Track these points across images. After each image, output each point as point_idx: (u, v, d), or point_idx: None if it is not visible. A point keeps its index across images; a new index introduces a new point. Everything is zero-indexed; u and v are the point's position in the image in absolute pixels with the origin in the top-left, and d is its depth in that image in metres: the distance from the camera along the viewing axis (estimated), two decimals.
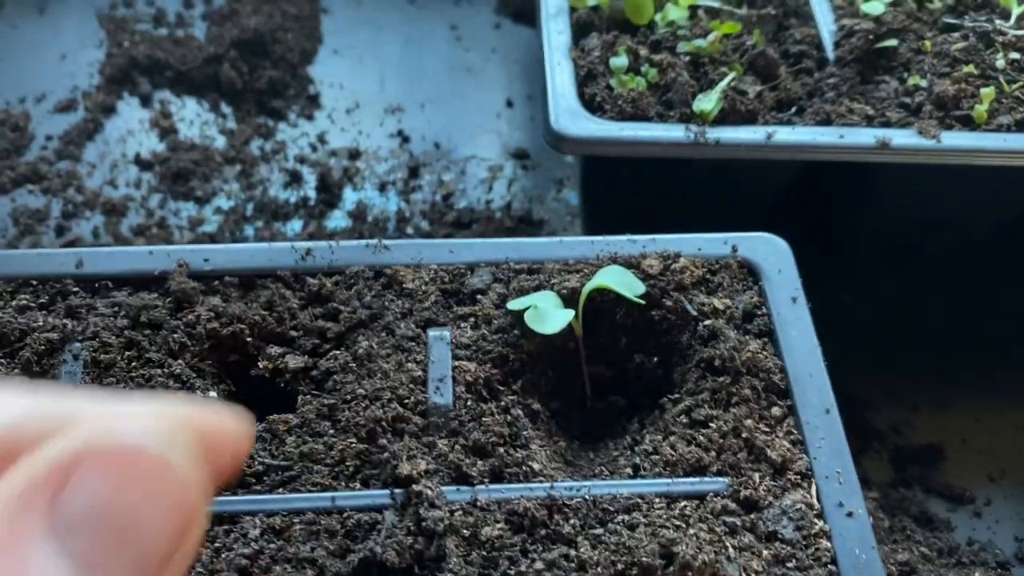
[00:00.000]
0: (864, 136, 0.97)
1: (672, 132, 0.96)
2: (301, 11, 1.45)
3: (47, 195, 1.23)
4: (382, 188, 1.26)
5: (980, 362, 1.14)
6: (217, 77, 1.34)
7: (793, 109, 1.01)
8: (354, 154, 1.30)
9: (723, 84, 0.98)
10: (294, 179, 1.26)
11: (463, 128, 1.35)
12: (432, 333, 0.81)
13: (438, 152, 1.31)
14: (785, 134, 0.96)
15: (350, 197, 1.25)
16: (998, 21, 1.08)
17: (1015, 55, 1.05)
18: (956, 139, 0.98)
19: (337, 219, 1.23)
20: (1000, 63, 1.05)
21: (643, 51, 1.02)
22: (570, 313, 0.80)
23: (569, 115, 0.97)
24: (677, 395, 0.82)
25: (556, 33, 1.05)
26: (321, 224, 1.22)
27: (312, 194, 1.25)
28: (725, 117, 0.97)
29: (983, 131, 1.00)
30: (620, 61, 1.00)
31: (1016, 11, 1.09)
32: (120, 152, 1.28)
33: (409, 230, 1.22)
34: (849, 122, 0.99)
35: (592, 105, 1.00)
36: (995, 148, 0.98)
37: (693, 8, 1.06)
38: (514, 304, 0.81)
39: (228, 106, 1.34)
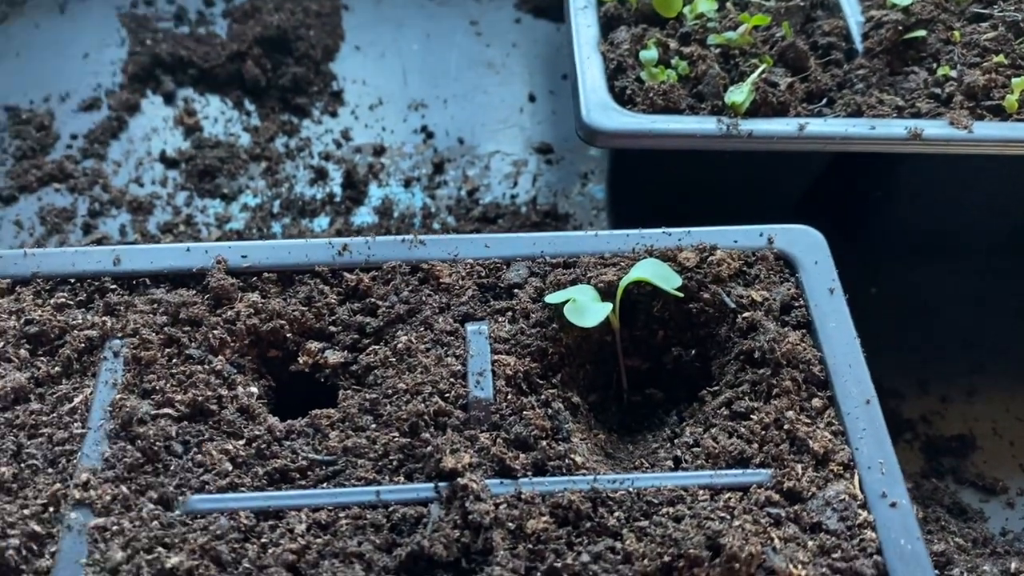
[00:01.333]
0: (895, 127, 0.97)
1: (705, 124, 0.96)
2: (322, 8, 1.45)
3: (73, 193, 1.23)
4: (407, 184, 1.26)
5: (1009, 352, 1.14)
6: (240, 74, 1.34)
7: (824, 100, 1.01)
8: (378, 150, 1.30)
9: (754, 76, 0.98)
10: (320, 176, 1.26)
11: (486, 123, 1.35)
12: (470, 327, 0.81)
13: (462, 148, 1.31)
14: (817, 126, 0.96)
15: (376, 193, 1.25)
16: None
17: None
18: (988, 129, 0.97)
19: (363, 215, 1.23)
20: None
21: (673, 44, 1.02)
22: (608, 306, 0.80)
23: (600, 108, 0.97)
24: (716, 387, 0.82)
25: (584, 27, 1.05)
26: (348, 220, 1.22)
27: (338, 190, 1.25)
28: (757, 109, 0.97)
29: (1015, 120, 0.99)
30: (650, 54, 1.00)
31: None
32: (145, 150, 1.29)
33: (435, 225, 1.22)
34: (880, 113, 0.99)
35: (623, 98, 1.00)
36: None
37: (722, 0, 1.06)
38: (552, 298, 0.81)
39: (252, 103, 1.34)
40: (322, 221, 1.22)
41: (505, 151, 1.31)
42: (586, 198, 1.27)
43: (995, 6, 1.09)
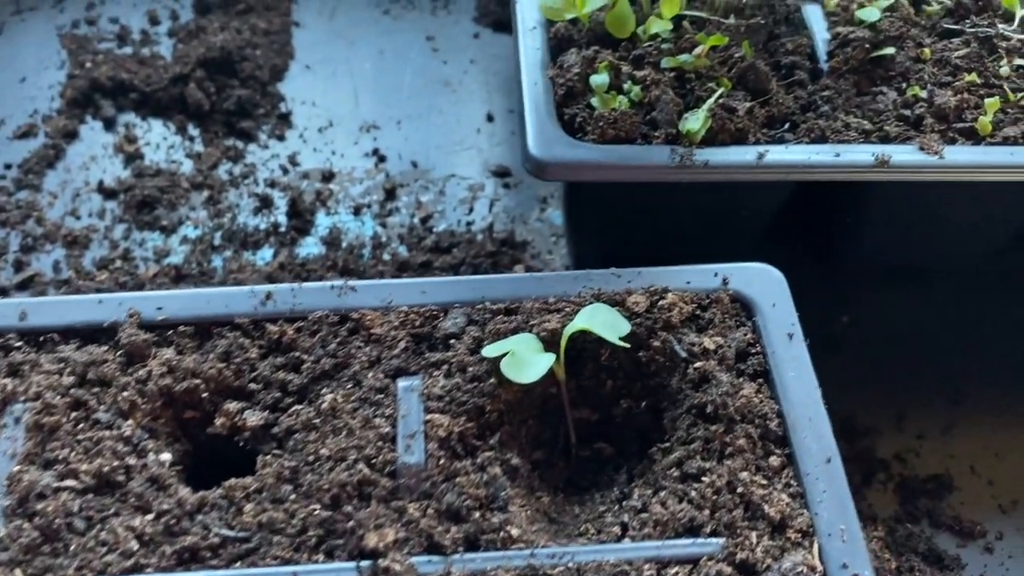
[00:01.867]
0: (861, 153, 0.91)
1: (657, 155, 0.90)
2: (271, 25, 1.39)
3: (5, 228, 1.17)
4: (357, 211, 1.20)
5: (987, 383, 1.08)
6: (183, 98, 1.28)
7: (786, 125, 0.95)
8: (327, 176, 1.24)
9: (710, 102, 0.92)
10: (264, 204, 1.20)
11: (441, 145, 1.29)
12: (402, 383, 0.75)
13: (415, 172, 1.25)
14: (777, 154, 0.91)
15: (323, 222, 1.19)
16: (1001, 25, 1.02)
17: (1020, 61, 1.00)
18: (960, 154, 0.92)
19: (309, 246, 1.17)
20: (1004, 70, 0.99)
21: (625, 67, 0.96)
22: (550, 358, 0.74)
23: (547, 139, 0.91)
24: (667, 444, 0.76)
25: (532, 50, 0.99)
26: (292, 252, 1.16)
27: (283, 220, 1.19)
28: (714, 137, 0.91)
29: (988, 144, 0.94)
30: (601, 79, 0.94)
31: (1020, 13, 1.03)
32: (83, 180, 1.22)
33: (386, 256, 1.16)
34: (845, 138, 0.93)
35: (572, 127, 0.94)
36: (1001, 163, 0.92)
37: (679, 19, 1.00)
38: (490, 350, 0.76)
39: (196, 128, 1.28)
40: (265, 253, 1.16)
41: (461, 175, 1.26)
42: (545, 224, 1.21)
43: (967, 21, 1.04)
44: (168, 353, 0.77)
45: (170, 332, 0.79)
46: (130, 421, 0.74)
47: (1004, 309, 1.13)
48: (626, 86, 0.95)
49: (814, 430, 0.74)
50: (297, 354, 0.77)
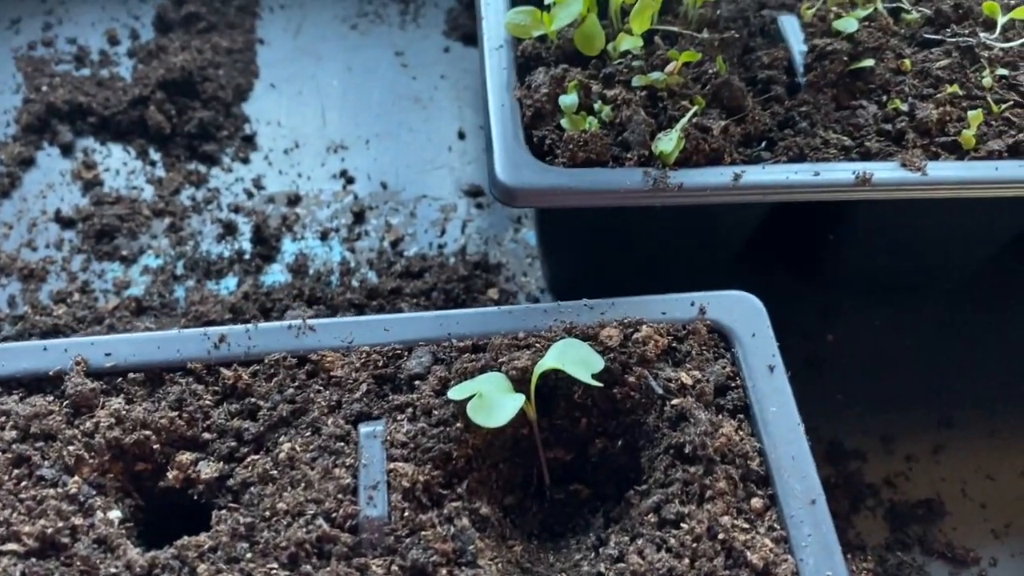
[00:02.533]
0: (841, 172, 0.88)
1: (630, 178, 0.86)
2: (234, 44, 1.35)
3: None
4: (324, 236, 1.16)
5: (977, 403, 1.05)
6: (144, 121, 1.24)
7: (763, 143, 0.92)
8: (293, 199, 1.20)
9: (683, 121, 0.88)
10: (228, 231, 1.16)
11: (412, 165, 1.25)
12: (364, 429, 0.72)
13: (385, 193, 1.21)
14: (754, 174, 0.87)
15: (289, 248, 1.15)
16: (982, 34, 0.99)
17: (1003, 71, 0.96)
18: (943, 170, 0.88)
19: (275, 274, 1.13)
20: (987, 81, 0.95)
21: (596, 86, 0.93)
22: (519, 399, 0.71)
23: (515, 164, 0.87)
24: (645, 486, 0.72)
25: (499, 70, 0.95)
26: (257, 280, 1.12)
27: (247, 247, 1.15)
28: (688, 157, 0.88)
29: (972, 159, 0.90)
30: (570, 99, 0.91)
31: (1001, 20, 1.00)
32: (39, 209, 1.18)
33: (354, 283, 1.12)
34: (825, 156, 0.90)
35: (542, 149, 0.90)
36: (986, 179, 0.88)
37: (650, 34, 0.96)
38: (456, 392, 0.72)
39: (157, 152, 1.24)
40: (229, 282, 1.12)
41: (432, 195, 1.22)
42: (519, 245, 1.17)
43: (947, 30, 1.00)
44: (117, 402, 0.73)
45: (119, 379, 0.75)
46: (76, 477, 0.70)
47: (992, 326, 1.10)
48: (596, 106, 0.92)
49: (797, 469, 0.71)
50: (253, 400, 0.74)
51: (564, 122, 0.91)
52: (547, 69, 0.94)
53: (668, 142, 0.87)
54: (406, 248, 1.16)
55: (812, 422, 1.01)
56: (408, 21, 1.42)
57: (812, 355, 1.08)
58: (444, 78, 1.35)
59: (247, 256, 1.14)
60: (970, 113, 0.92)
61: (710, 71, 0.94)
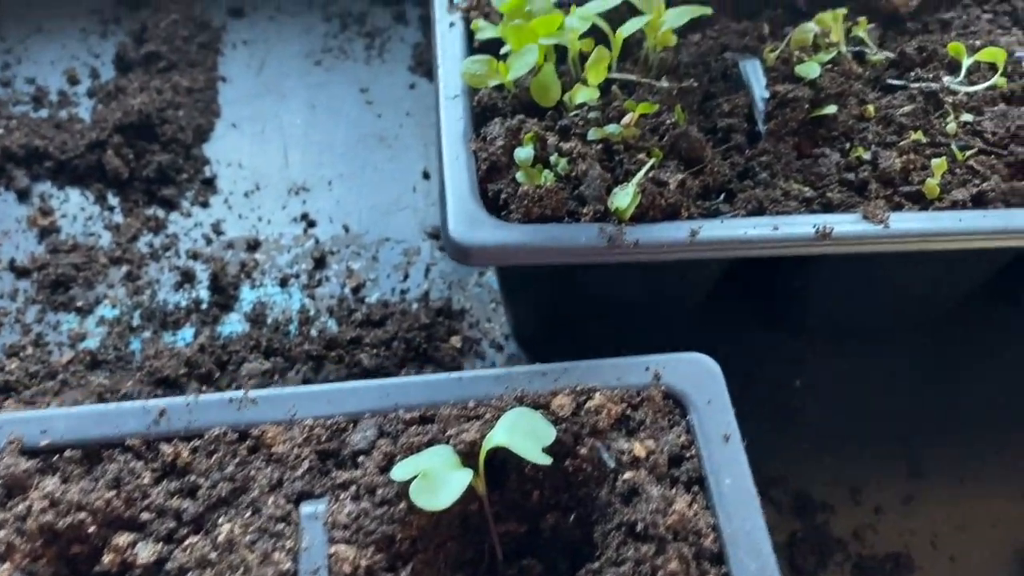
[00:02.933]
0: (802, 226, 0.86)
1: (585, 235, 0.84)
2: (195, 83, 1.32)
3: None
4: (283, 283, 1.14)
5: (946, 451, 1.03)
6: (102, 165, 1.22)
7: (721, 196, 0.90)
8: (253, 245, 1.17)
9: (639, 176, 0.86)
10: (186, 279, 1.14)
11: (375, 206, 1.23)
12: (305, 510, 0.69)
13: (347, 236, 1.19)
14: (712, 229, 0.85)
15: (247, 296, 1.13)
16: (946, 78, 0.97)
17: (967, 116, 0.95)
18: (906, 222, 0.87)
19: (233, 323, 1.11)
20: (951, 127, 0.94)
21: (552, 138, 0.91)
22: (466, 477, 0.69)
23: (469, 220, 0.85)
24: (597, 564, 0.70)
25: (454, 121, 0.93)
26: (214, 331, 1.09)
27: (205, 295, 1.13)
28: (644, 212, 0.86)
29: (936, 209, 0.89)
30: (525, 153, 0.88)
31: (966, 63, 0.98)
32: None
33: (314, 332, 1.09)
34: (785, 209, 0.88)
35: (497, 204, 0.88)
36: (950, 230, 0.87)
37: (608, 82, 0.94)
38: (399, 471, 0.70)
39: (115, 196, 1.21)
40: (186, 333, 1.10)
41: (396, 238, 1.20)
42: (484, 289, 1.15)
43: (911, 73, 0.99)
44: (52, 483, 0.70)
45: (55, 457, 0.72)
46: (7, 565, 0.67)
47: (961, 373, 1.09)
48: (553, 158, 0.90)
49: (752, 545, 0.69)
50: (193, 478, 0.71)
51: (519, 175, 0.89)
52: (503, 120, 0.92)
53: (624, 197, 0.85)
54: (368, 294, 1.14)
55: (780, 471, 1.01)
56: (373, 56, 1.40)
57: (780, 403, 1.06)
58: (409, 115, 1.33)
59: (204, 305, 1.12)
60: (934, 161, 0.90)
61: (668, 121, 0.92)
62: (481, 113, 0.95)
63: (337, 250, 1.18)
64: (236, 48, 1.40)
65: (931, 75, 0.98)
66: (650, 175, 0.87)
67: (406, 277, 1.16)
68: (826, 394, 1.07)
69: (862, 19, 1.03)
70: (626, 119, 0.90)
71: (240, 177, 1.25)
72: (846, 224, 0.86)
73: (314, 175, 1.26)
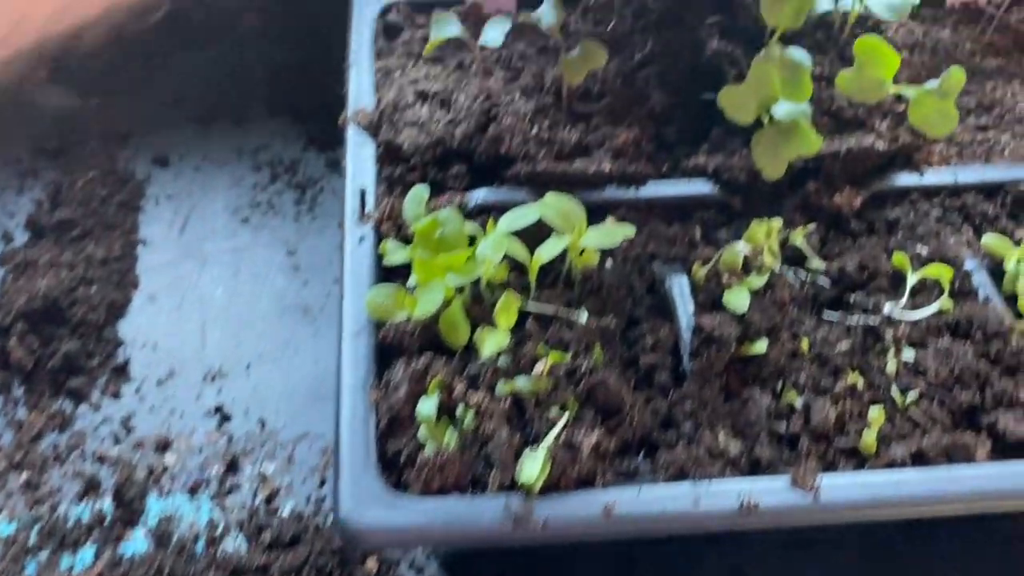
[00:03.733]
0: (725, 497, 0.79)
1: (489, 513, 0.77)
2: (111, 251, 1.26)
3: None
4: (193, 491, 1.07)
5: None
6: (5, 355, 1.15)
7: (641, 454, 0.83)
8: (163, 445, 1.10)
9: (549, 440, 0.80)
10: (90, 487, 1.07)
11: (294, 394, 1.16)
12: None
13: (263, 433, 1.12)
14: (628, 504, 0.78)
15: (154, 508, 1.06)
16: (887, 304, 0.91)
17: (908, 353, 0.88)
18: (836, 491, 0.80)
19: (137, 541, 1.03)
20: (891, 366, 0.87)
21: (459, 385, 0.84)
22: None
23: (363, 495, 0.78)
24: None
25: (355, 362, 0.86)
26: (116, 552, 1.02)
27: (109, 508, 1.06)
28: (557, 481, 0.79)
29: (872, 468, 0.82)
30: (428, 408, 0.82)
31: (910, 280, 0.92)
32: None
33: (220, 553, 1.02)
34: (709, 472, 0.81)
35: (397, 467, 0.81)
36: (886, 499, 0.80)
37: (523, 317, 0.88)
38: None
39: (20, 387, 1.15)
40: (87, 554, 1.02)
41: (314, 432, 1.12)
42: None
43: (851, 296, 0.93)
44: None
45: None
46: None
47: None
48: (459, 410, 0.83)
49: None
50: None
51: (422, 432, 0.82)
52: (408, 361, 0.86)
53: (532, 466, 0.78)
54: (281, 504, 1.07)
55: None
56: (303, 212, 1.34)
57: None
58: (337, 282, 1.25)
59: (108, 520, 1.05)
60: (871, 412, 0.84)
61: (584, 366, 0.85)
62: (385, 352, 0.88)
63: (251, 449, 1.11)
64: (159, 204, 1.34)
65: (872, 301, 0.91)
66: (562, 438, 0.80)
67: (322, 483, 1.09)
68: None
69: (800, 228, 0.97)
70: (537, 369, 0.84)
71: (154, 361, 1.18)
72: (773, 495, 0.79)
73: (232, 356, 1.19)
